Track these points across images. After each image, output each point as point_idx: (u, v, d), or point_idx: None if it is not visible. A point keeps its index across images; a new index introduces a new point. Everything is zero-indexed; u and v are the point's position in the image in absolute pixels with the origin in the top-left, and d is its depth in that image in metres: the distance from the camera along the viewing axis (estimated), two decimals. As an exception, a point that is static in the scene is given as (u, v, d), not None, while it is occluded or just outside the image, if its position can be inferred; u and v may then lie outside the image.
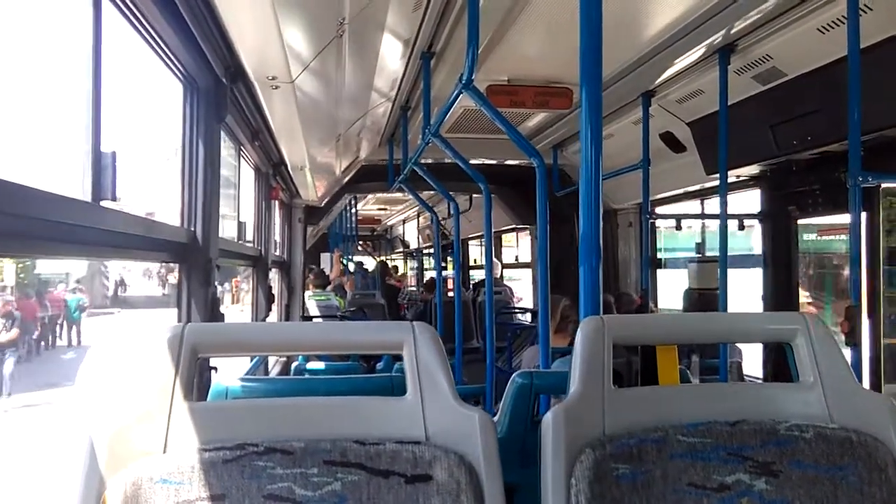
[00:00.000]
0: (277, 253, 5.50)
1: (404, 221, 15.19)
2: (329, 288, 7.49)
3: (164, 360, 1.15)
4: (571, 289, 5.36)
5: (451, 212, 4.60)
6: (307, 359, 3.64)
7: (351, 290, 9.23)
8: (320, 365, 3.45)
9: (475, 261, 11.97)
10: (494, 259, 9.76)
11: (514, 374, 1.94)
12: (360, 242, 15.27)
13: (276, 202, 5.15)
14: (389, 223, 16.56)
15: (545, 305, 2.70)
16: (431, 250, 14.63)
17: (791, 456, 1.17)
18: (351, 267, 11.31)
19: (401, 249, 17.18)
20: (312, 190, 5.37)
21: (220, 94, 2.46)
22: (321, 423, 1.18)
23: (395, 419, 1.18)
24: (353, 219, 11.64)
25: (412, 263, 16.86)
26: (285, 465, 1.11)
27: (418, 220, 13.65)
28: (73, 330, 16.15)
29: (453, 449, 1.14)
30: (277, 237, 5.60)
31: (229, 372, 2.31)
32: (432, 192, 7.00)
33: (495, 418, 1.98)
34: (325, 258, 10.55)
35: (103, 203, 1.59)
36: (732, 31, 2.85)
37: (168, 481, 1.08)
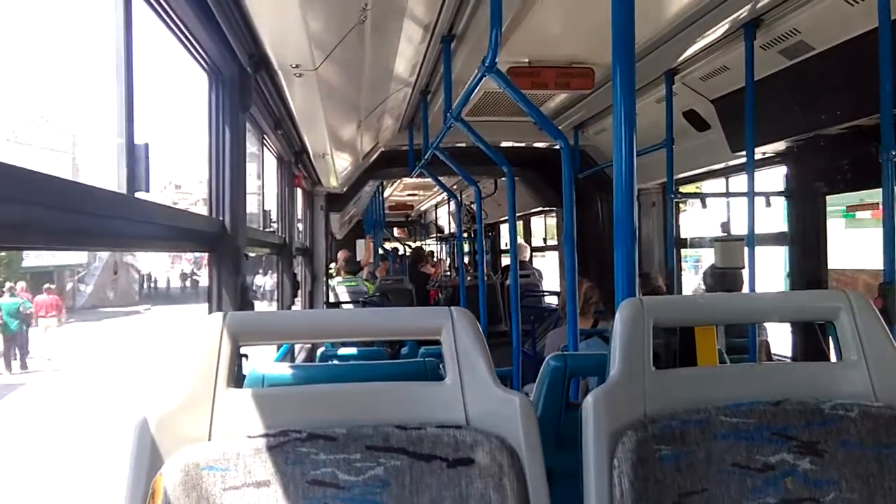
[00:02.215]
0: (300, 240, 5.53)
1: (437, 206, 15.14)
2: (363, 274, 7.51)
3: (207, 349, 1.16)
4: (595, 270, 5.36)
5: (474, 197, 4.59)
6: (334, 345, 3.66)
7: (382, 275, 9.25)
8: (348, 351, 3.48)
9: (506, 244, 11.95)
10: (522, 242, 9.77)
11: (548, 357, 1.94)
12: (396, 229, 15.19)
13: (299, 190, 5.17)
14: (422, 208, 16.51)
15: (572, 287, 2.69)
16: (465, 235, 14.58)
17: (836, 435, 1.16)
18: (381, 252, 11.32)
19: (435, 234, 17.14)
20: (334, 177, 5.38)
21: (245, 83, 2.47)
22: (361, 408, 1.19)
23: (436, 404, 1.19)
24: (382, 205, 11.65)
25: (448, 249, 16.80)
26: (328, 451, 1.12)
27: (449, 205, 13.61)
28: (12, 347, 12.06)
29: (494, 433, 1.15)
30: (300, 225, 5.63)
31: (258, 359, 2.33)
32: (458, 178, 6.99)
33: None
34: (360, 245, 10.57)
35: (138, 195, 1.61)
36: (758, 6, 2.80)
37: (215, 468, 1.10)
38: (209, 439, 1.14)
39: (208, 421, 1.15)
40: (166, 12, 1.87)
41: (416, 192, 13.12)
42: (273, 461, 1.11)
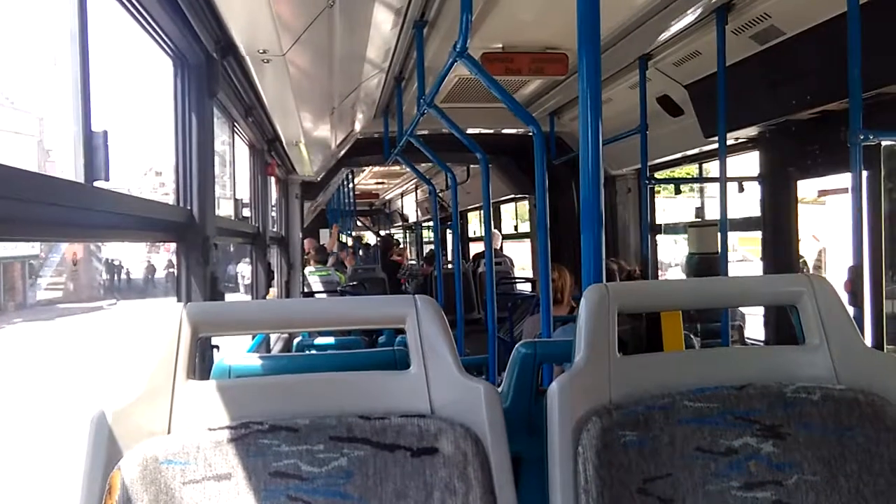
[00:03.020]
0: (275, 229, 5.48)
1: (403, 195, 15.12)
2: (329, 263, 7.50)
3: (165, 341, 1.14)
4: (570, 257, 5.37)
5: (449, 183, 4.58)
6: (310, 335, 3.64)
7: (350, 265, 9.23)
8: (324, 341, 3.46)
9: (474, 232, 11.96)
10: (494, 230, 9.77)
11: (517, 345, 1.93)
12: (359, 217, 15.19)
13: (273, 178, 5.11)
14: (388, 197, 16.49)
15: (546, 275, 2.69)
16: (430, 223, 14.60)
17: (798, 418, 1.17)
18: (348, 241, 11.28)
19: (400, 223, 17.14)
20: (308, 165, 5.33)
21: (212, 70, 2.42)
22: (325, 399, 1.17)
23: (400, 393, 1.18)
24: (351, 193, 11.59)
25: (411, 237, 16.81)
26: (291, 443, 1.11)
27: (416, 194, 13.59)
28: None
29: (459, 421, 1.14)
30: (274, 213, 5.57)
31: (231, 350, 2.31)
32: (429, 165, 6.96)
33: (499, 389, 1.98)
34: (324, 234, 10.53)
35: (97, 184, 1.57)
36: (730, -10, 2.81)
37: (174, 462, 1.08)
38: (168, 432, 1.12)
39: (167, 414, 1.12)
40: (126, -3, 1.82)
41: (383, 180, 13.08)
42: (234, 454, 1.09)
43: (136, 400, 1.12)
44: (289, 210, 5.96)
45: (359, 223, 15.20)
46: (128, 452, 1.08)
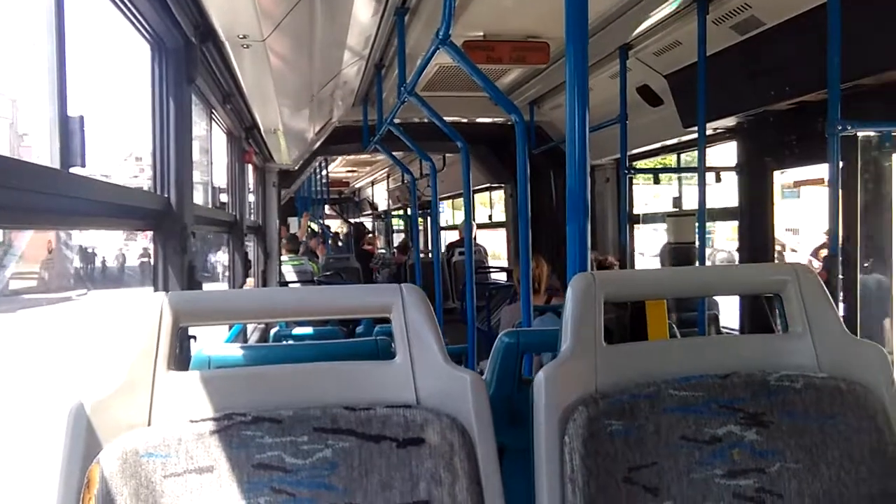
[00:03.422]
0: (252, 218, 5.43)
1: (373, 183, 15.03)
2: (300, 252, 7.43)
3: (145, 331, 1.11)
4: (549, 246, 5.38)
5: (428, 171, 4.55)
6: (287, 325, 3.60)
7: (322, 254, 9.13)
8: (302, 331, 3.43)
9: (446, 221, 11.93)
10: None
11: (500, 334, 1.93)
12: (328, 206, 15.06)
13: (250, 166, 5.05)
14: (357, 185, 16.38)
15: (526, 264, 2.69)
16: (401, 212, 14.57)
17: (781, 406, 1.18)
18: (318, 230, 11.16)
19: (369, 212, 17.05)
20: (286, 153, 5.28)
21: (190, 55, 2.37)
22: (309, 389, 1.16)
23: (385, 383, 1.17)
24: (325, 181, 11.50)
25: (379, 225, 16.74)
26: (274, 434, 1.09)
27: (388, 182, 13.52)
28: None
29: (445, 411, 1.13)
30: (252, 202, 5.51)
31: (208, 340, 2.28)
32: (402, 153, 6.90)
33: (483, 378, 1.97)
34: (293, 223, 10.42)
35: (72, 170, 1.53)
36: (711, -20, 2.81)
37: (155, 454, 1.06)
38: (149, 424, 1.10)
39: (148, 405, 1.10)
40: (101, -22, 1.77)
41: (355, 168, 12.99)
42: (216, 446, 1.08)
43: (116, 391, 1.09)
44: (266, 198, 5.89)
45: (327, 211, 15.08)
46: (107, 445, 1.05)
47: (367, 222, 16.74)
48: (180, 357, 2.30)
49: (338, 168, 12.61)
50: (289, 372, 1.19)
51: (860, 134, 2.79)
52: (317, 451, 1.10)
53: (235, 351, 1.89)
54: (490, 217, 10.60)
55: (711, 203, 3.60)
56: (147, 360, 1.11)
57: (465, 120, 5.35)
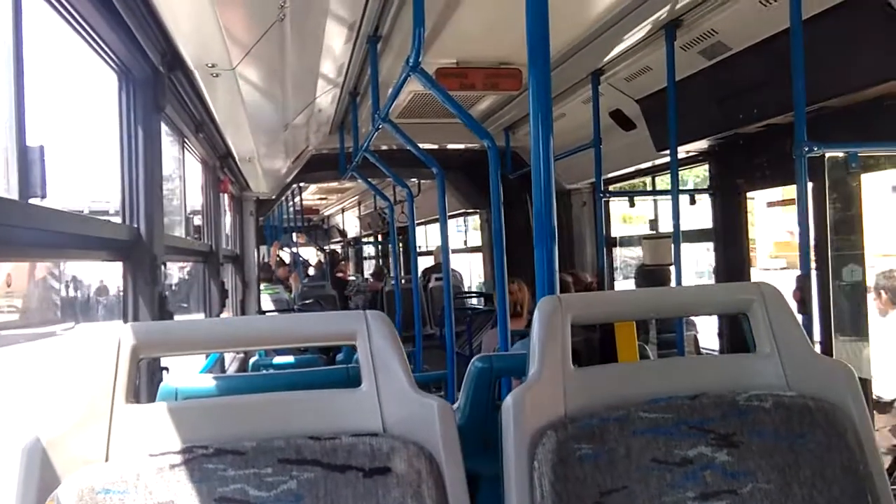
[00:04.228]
0: (229, 247, 5.38)
1: (343, 210, 15.01)
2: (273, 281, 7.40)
3: (102, 363, 1.08)
4: (524, 271, 5.39)
5: (405, 197, 4.56)
6: (267, 354, 3.55)
7: (297, 282, 9.02)
8: (281, 359, 3.38)
9: (420, 247, 11.92)
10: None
11: (473, 359, 1.91)
12: (295, 234, 14.98)
13: (226, 195, 5.02)
14: (327, 213, 16.35)
15: (503, 289, 2.68)
16: (371, 239, 14.58)
17: (751, 426, 1.17)
18: (286, 258, 11.05)
19: (338, 239, 17.01)
20: (262, 181, 5.26)
21: (158, 84, 2.36)
22: (273, 420, 1.13)
23: (351, 411, 1.14)
24: (298, 209, 11.45)
25: (350, 253, 16.72)
26: (237, 467, 1.07)
27: (359, 209, 13.50)
28: None
29: (412, 439, 1.11)
30: (229, 231, 5.47)
31: (185, 371, 2.23)
32: (379, 180, 6.92)
33: (456, 405, 1.95)
34: (262, 251, 10.33)
35: (32, 201, 1.50)
36: (677, 7, 2.86)
37: (112, 491, 1.02)
38: (106, 460, 1.06)
39: (105, 440, 1.07)
40: (66, 8, 1.76)
41: (325, 196, 12.95)
42: (177, 481, 1.05)
43: (72, 426, 1.06)
44: (243, 227, 5.86)
45: (297, 239, 15.01)
46: (63, 481, 1.02)
47: (338, 249, 16.71)
48: (151, 389, 2.26)
49: (307, 196, 12.57)
50: (252, 402, 1.16)
51: (827, 154, 2.84)
52: (281, 482, 1.07)
53: (204, 382, 1.85)
54: (465, 242, 10.63)
55: (688, 225, 3.63)
56: (104, 393, 1.08)
57: (440, 146, 5.37)
